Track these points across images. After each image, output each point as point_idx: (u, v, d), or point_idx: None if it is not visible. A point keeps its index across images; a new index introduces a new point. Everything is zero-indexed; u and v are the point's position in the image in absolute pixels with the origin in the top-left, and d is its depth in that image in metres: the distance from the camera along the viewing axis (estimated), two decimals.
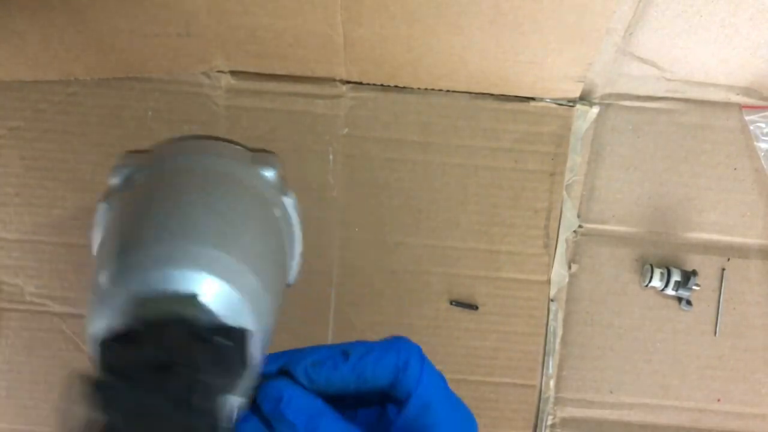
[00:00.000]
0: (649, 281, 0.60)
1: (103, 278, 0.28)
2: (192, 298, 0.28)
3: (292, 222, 0.37)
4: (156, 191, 0.33)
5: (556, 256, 0.61)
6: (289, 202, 0.38)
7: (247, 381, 0.29)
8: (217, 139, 0.37)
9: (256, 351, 0.29)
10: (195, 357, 0.26)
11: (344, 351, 0.34)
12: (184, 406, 0.25)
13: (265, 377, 0.32)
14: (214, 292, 0.28)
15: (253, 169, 0.37)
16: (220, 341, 0.27)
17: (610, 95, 0.60)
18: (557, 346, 0.62)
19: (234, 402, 0.28)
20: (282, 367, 0.33)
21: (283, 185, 0.38)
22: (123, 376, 0.25)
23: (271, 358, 0.33)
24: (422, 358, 0.34)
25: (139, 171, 0.34)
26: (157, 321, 0.27)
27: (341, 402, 0.34)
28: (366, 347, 0.34)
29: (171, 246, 0.29)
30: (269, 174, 0.38)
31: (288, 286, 0.39)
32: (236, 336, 0.28)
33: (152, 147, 0.37)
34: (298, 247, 0.39)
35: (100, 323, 0.27)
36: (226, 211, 0.32)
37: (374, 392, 0.34)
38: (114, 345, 0.26)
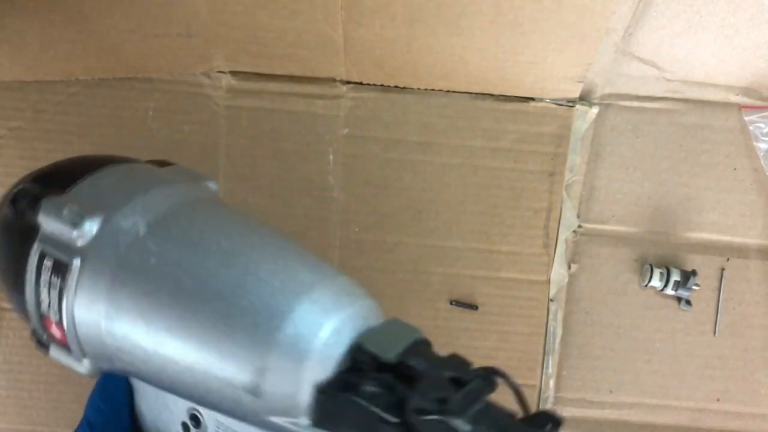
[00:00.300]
0: (649, 281, 0.60)
1: (283, 332, 0.28)
2: (396, 321, 0.30)
3: None
4: (224, 236, 0.32)
5: (556, 256, 0.61)
6: None
7: None
8: (114, 158, 0.37)
9: None
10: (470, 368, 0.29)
11: None
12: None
13: None
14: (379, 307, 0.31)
15: (207, 185, 0.37)
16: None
17: (609, 95, 0.60)
18: (557, 346, 0.62)
19: None
20: None
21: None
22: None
23: None
24: None
25: (118, 216, 0.31)
26: (410, 350, 0.28)
27: None
28: None
29: (337, 283, 0.30)
30: (213, 186, 0.38)
31: None
32: None
33: (49, 176, 0.34)
34: None
35: (321, 372, 0.28)
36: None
37: None
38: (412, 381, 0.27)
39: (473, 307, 0.61)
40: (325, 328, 0.28)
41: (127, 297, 0.30)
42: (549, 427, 0.28)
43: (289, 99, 0.59)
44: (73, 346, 0.32)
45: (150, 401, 0.35)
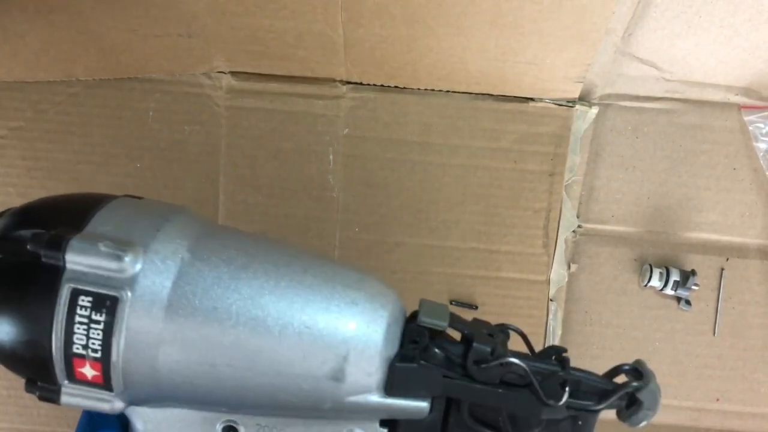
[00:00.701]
0: (648, 281, 0.60)
1: (352, 326, 0.33)
2: (429, 300, 0.36)
3: None
4: (264, 250, 0.35)
5: (556, 255, 0.61)
6: None
7: None
8: (96, 194, 0.37)
9: None
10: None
11: None
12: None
13: None
14: None
15: (189, 211, 0.38)
16: None
17: (609, 96, 0.60)
18: None
19: None
20: None
21: None
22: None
23: None
24: None
25: (156, 245, 0.32)
26: (452, 319, 0.34)
27: None
28: None
29: (372, 276, 0.36)
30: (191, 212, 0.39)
31: None
32: None
33: (48, 218, 0.34)
34: None
35: (389, 350, 0.33)
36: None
37: None
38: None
39: (473, 307, 0.61)
40: (388, 312, 0.34)
41: (191, 318, 0.32)
42: (554, 357, 0.35)
43: (289, 99, 0.59)
44: (116, 380, 0.32)
45: (164, 425, 0.36)
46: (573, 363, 0.35)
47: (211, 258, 0.33)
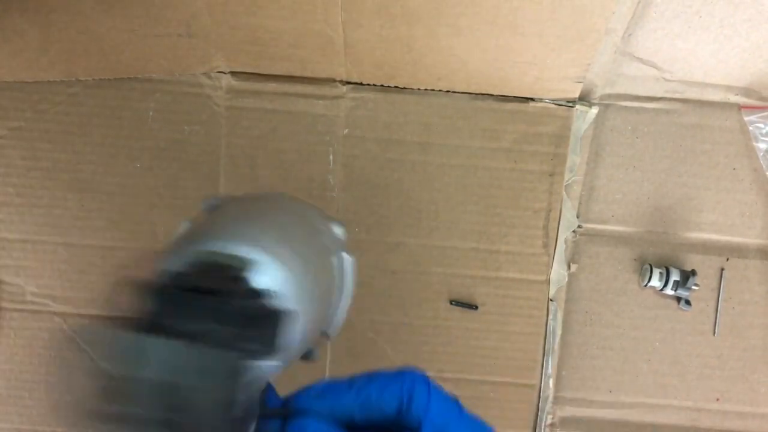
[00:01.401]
0: (648, 281, 0.60)
1: (179, 242, 0.33)
2: (241, 259, 0.32)
3: (345, 277, 0.40)
4: (233, 206, 0.37)
5: (556, 255, 0.61)
6: (348, 259, 0.40)
7: (279, 358, 0.32)
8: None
9: (291, 333, 0.32)
10: (236, 291, 0.31)
11: (350, 381, 0.35)
12: (230, 321, 0.29)
13: (272, 411, 0.33)
14: (265, 265, 0.32)
15: (326, 220, 0.41)
16: (254, 288, 0.31)
17: (609, 96, 0.60)
18: (556, 346, 0.62)
19: (264, 367, 0.30)
20: (287, 398, 0.34)
21: (345, 246, 0.42)
22: (181, 294, 0.30)
23: (275, 396, 0.35)
24: (428, 385, 0.35)
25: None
26: (210, 264, 0.32)
27: None
28: (370, 376, 0.35)
29: (234, 229, 0.34)
30: (338, 230, 0.41)
31: (328, 338, 0.40)
32: (267, 294, 0.31)
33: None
34: (345, 303, 0.41)
35: (171, 264, 0.32)
36: (288, 225, 0.37)
37: (387, 422, 0.35)
38: (176, 273, 0.31)
39: (473, 307, 0.61)
40: (197, 243, 0.33)
41: None
42: None
43: (289, 99, 0.59)
44: None
45: None
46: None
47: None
